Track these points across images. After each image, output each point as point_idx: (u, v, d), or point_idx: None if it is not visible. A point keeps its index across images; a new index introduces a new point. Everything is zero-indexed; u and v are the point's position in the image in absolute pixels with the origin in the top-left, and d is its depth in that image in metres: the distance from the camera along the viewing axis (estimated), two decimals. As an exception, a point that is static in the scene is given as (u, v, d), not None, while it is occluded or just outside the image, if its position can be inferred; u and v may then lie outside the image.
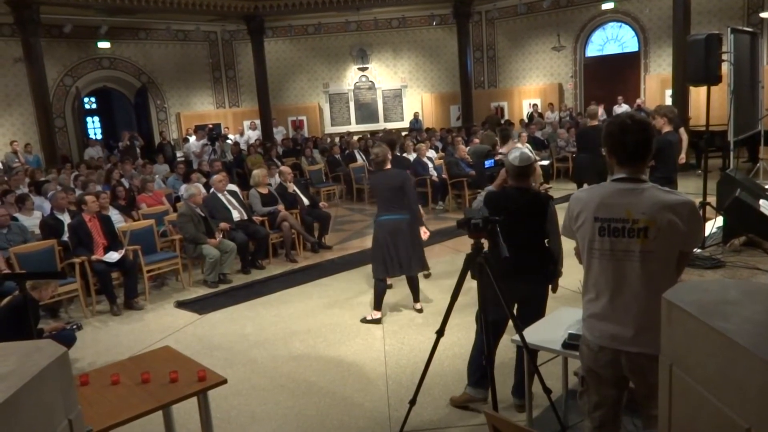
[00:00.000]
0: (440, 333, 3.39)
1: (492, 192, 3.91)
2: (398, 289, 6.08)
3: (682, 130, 7.78)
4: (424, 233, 5.68)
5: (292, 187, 8.71)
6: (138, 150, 15.14)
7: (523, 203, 3.68)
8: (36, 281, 4.79)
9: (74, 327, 4.96)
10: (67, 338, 4.70)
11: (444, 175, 10.62)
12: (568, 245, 2.81)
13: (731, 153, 8.10)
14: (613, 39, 17.41)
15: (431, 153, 11.86)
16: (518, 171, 3.68)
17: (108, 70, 16.78)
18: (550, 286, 3.85)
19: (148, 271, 6.86)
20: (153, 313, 6.42)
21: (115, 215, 7.47)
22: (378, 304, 5.59)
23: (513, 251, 3.25)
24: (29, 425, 1.35)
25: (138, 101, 17.56)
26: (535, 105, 17.89)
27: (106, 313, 6.42)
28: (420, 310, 5.74)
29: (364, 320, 5.60)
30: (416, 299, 5.78)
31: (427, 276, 6.66)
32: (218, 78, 18.63)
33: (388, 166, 5.60)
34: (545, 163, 12.19)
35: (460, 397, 3.99)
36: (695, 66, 4.97)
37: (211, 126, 17.00)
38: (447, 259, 7.34)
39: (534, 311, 3.78)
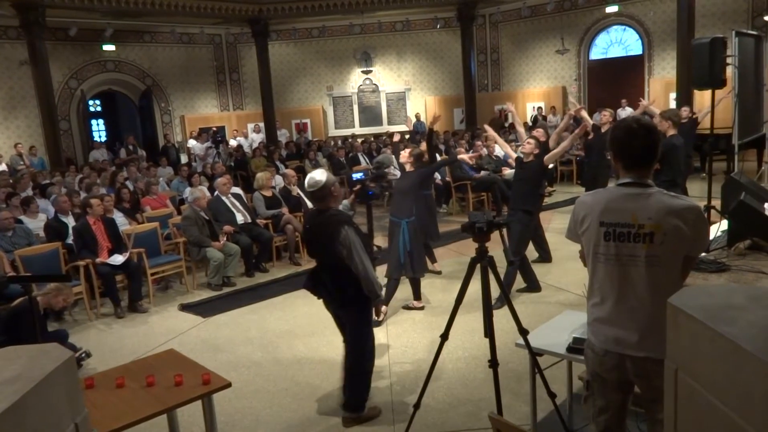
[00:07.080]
0: (444, 337, 3.39)
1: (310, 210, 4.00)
2: (400, 291, 6.06)
3: None
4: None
5: (296, 190, 8.73)
6: (142, 153, 15.20)
7: (315, 224, 3.71)
8: (56, 287, 4.83)
9: (83, 355, 4.97)
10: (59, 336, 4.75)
11: (448, 178, 10.62)
12: (572, 248, 2.80)
13: (736, 156, 8.09)
14: (617, 42, 17.37)
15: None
16: (308, 195, 3.82)
17: (113, 73, 16.83)
18: (357, 311, 3.76)
19: (153, 274, 6.87)
20: (157, 316, 6.43)
21: (119, 218, 7.49)
22: (387, 300, 5.64)
23: (319, 272, 3.64)
24: (36, 429, 1.35)
25: (142, 104, 17.59)
26: (539, 108, 17.87)
27: (111, 316, 6.43)
28: (422, 308, 5.84)
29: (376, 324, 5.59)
30: (417, 297, 5.91)
31: (438, 273, 6.94)
32: (222, 81, 18.68)
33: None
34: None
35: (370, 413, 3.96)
36: (700, 69, 4.98)
37: (215, 129, 17.04)
38: (450, 262, 7.34)
39: (349, 337, 3.81)
